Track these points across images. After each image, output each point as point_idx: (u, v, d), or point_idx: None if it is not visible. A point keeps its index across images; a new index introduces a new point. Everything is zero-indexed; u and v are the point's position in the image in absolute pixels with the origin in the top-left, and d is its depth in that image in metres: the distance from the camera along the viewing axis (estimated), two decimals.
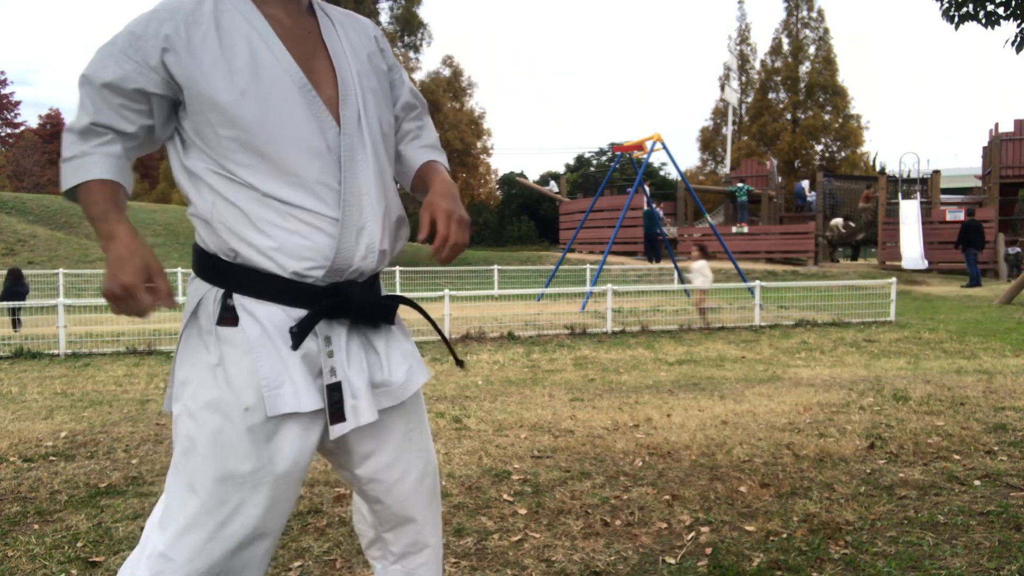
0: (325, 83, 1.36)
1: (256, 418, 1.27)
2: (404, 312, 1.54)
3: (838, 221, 22.04)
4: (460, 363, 1.61)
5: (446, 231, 1.37)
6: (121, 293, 1.22)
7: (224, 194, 1.29)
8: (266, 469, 1.29)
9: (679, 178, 24.77)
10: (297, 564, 2.47)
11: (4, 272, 11.11)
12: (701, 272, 10.07)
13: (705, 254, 10.41)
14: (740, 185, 23.23)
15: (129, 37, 1.28)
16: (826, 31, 38.99)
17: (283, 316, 1.30)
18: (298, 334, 1.30)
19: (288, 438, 1.31)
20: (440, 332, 1.64)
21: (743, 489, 3.12)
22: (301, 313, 1.31)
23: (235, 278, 1.30)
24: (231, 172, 1.28)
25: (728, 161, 32.60)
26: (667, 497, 3.05)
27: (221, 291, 1.30)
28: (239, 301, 1.29)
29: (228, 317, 1.29)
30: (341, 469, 1.49)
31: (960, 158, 24.81)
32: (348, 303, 1.34)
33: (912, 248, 19.42)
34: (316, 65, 1.36)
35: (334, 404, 1.32)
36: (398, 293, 1.79)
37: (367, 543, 1.60)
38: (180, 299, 13.02)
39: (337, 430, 1.33)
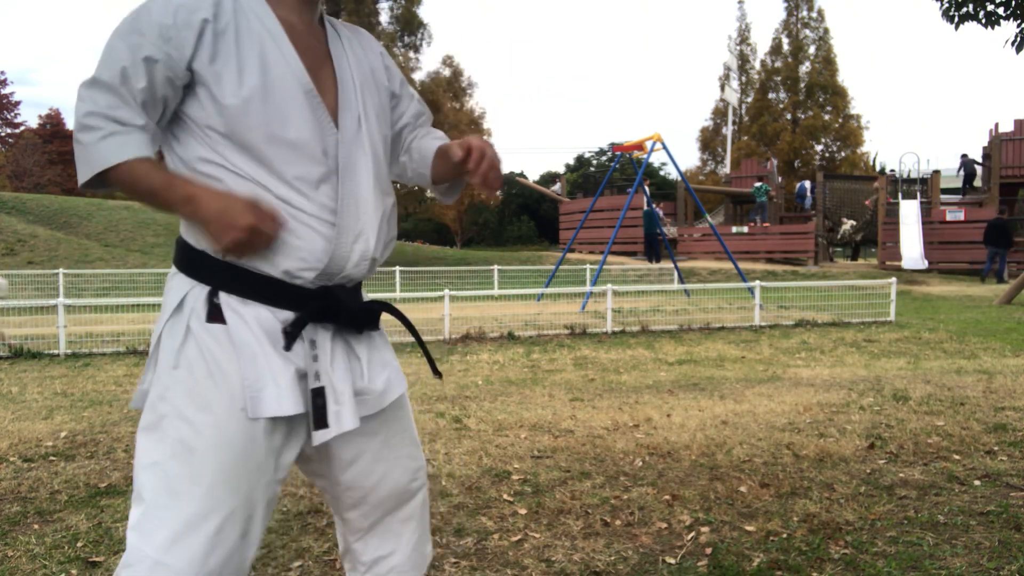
0: (328, 92, 1.37)
1: (250, 420, 1.26)
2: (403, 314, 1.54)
3: (848, 226, 22.16)
4: (438, 374, 1.63)
5: (483, 146, 1.38)
6: (248, 236, 1.21)
7: (222, 187, 1.27)
8: (262, 471, 1.29)
9: (679, 178, 24.76)
10: (297, 564, 2.47)
11: (7, 272, 11.08)
12: None
13: None
14: (759, 185, 23.24)
15: (172, 14, 1.24)
16: (826, 31, 39.05)
17: (270, 317, 1.29)
18: (291, 333, 1.29)
19: (280, 441, 1.31)
20: (421, 342, 1.63)
21: (743, 489, 3.12)
22: (288, 315, 1.30)
23: (223, 275, 1.29)
24: (233, 165, 1.27)
25: (728, 161, 32.61)
26: (667, 497, 3.05)
27: (207, 288, 1.29)
28: (225, 300, 1.28)
29: (215, 316, 1.27)
30: (317, 477, 1.49)
31: (958, 156, 24.77)
32: (338, 306, 1.34)
33: (912, 248, 19.43)
34: (322, 74, 1.37)
35: (317, 409, 1.30)
36: (389, 299, 1.80)
37: (341, 550, 1.60)
38: None
39: (319, 436, 1.31)
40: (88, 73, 1.27)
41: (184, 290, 1.30)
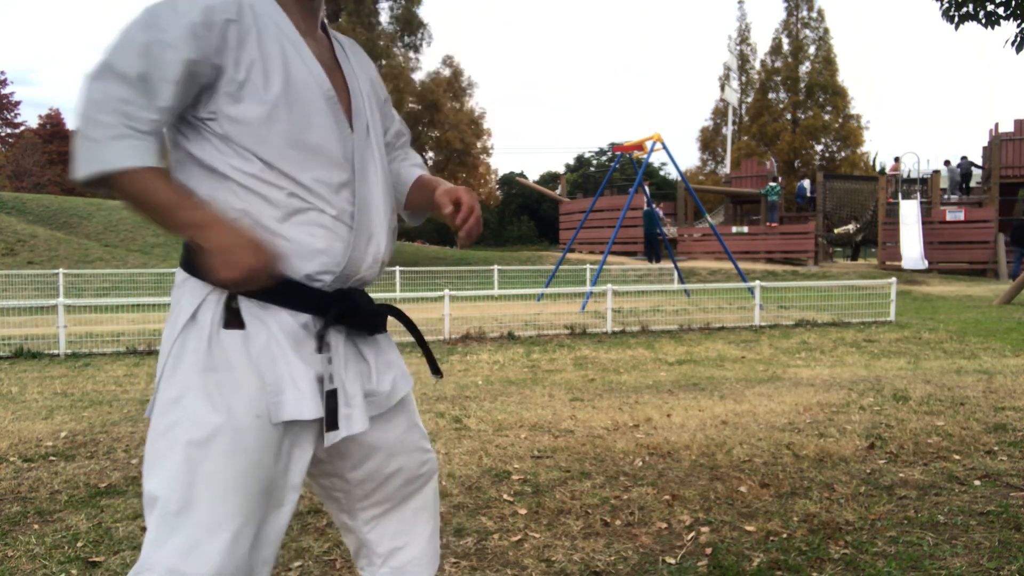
0: (342, 98, 1.39)
1: (267, 425, 1.25)
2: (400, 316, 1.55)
3: (849, 227, 22.29)
4: (439, 373, 1.64)
5: (471, 202, 1.43)
6: (250, 276, 1.21)
7: (244, 191, 1.27)
8: (280, 477, 1.29)
9: (679, 178, 24.77)
10: (297, 564, 2.47)
11: (7, 272, 11.10)
12: None
13: None
14: (772, 185, 23.35)
15: (200, 12, 1.21)
16: (826, 31, 39.00)
17: (290, 320, 1.29)
18: (323, 337, 1.30)
19: (297, 445, 1.31)
20: (423, 343, 1.64)
21: (743, 489, 3.12)
22: (306, 318, 1.31)
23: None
24: (254, 171, 1.26)
25: (728, 161, 32.60)
26: (667, 497, 3.05)
27: (225, 293, 1.27)
28: (244, 304, 1.27)
29: (233, 321, 1.26)
30: (328, 476, 1.49)
31: (959, 157, 24.79)
32: (356, 309, 1.36)
33: (912, 248, 19.44)
34: (334, 80, 1.38)
35: (329, 412, 1.31)
36: (389, 299, 1.82)
37: (354, 552, 1.60)
38: None
39: (330, 438, 1.32)
40: (96, 63, 1.18)
41: (199, 295, 1.27)
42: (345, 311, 1.34)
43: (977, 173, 23.08)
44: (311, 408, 1.28)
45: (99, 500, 3.08)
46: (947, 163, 23.12)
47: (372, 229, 1.38)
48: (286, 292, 1.29)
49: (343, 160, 1.34)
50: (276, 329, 1.27)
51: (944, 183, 22.46)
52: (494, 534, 2.70)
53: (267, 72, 1.26)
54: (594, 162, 48.54)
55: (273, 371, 1.25)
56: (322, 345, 1.30)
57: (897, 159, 23.68)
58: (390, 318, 1.51)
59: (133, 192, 1.20)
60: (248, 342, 1.25)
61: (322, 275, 1.32)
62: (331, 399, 1.31)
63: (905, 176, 22.78)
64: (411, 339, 1.57)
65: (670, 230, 21.93)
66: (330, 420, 1.31)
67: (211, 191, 1.27)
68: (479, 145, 28.68)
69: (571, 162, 51.52)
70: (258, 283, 1.24)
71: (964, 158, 23.26)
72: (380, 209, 1.40)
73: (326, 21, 1.49)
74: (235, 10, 1.25)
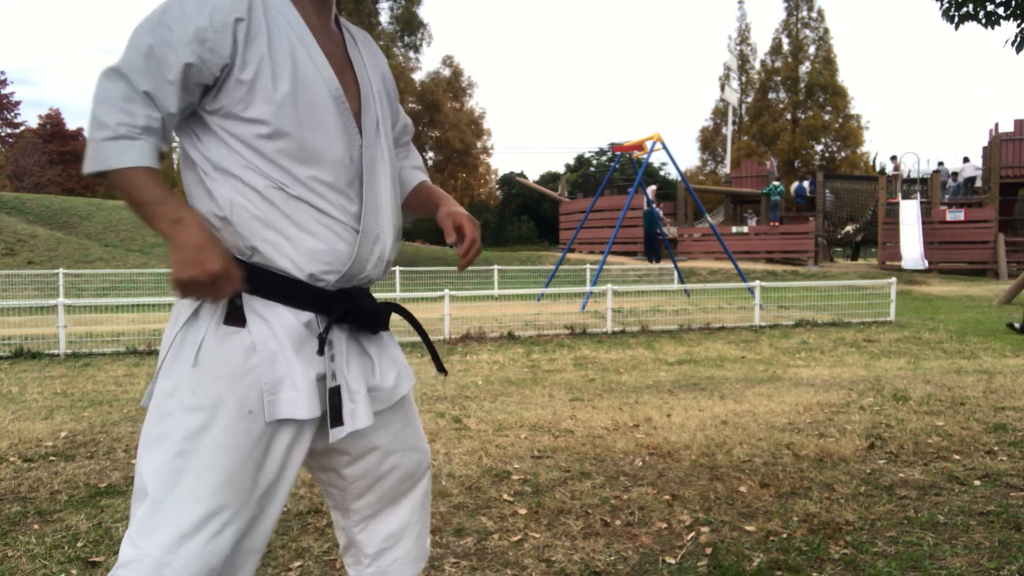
0: (352, 97, 1.39)
1: (259, 422, 1.26)
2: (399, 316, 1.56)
3: (849, 228, 22.32)
4: (443, 370, 1.65)
5: (474, 234, 1.48)
6: (207, 280, 1.20)
7: (249, 190, 1.27)
8: (272, 472, 1.30)
9: (679, 178, 24.77)
10: (297, 564, 2.47)
11: (7, 272, 11.09)
12: None
13: None
14: (776, 184, 23.42)
15: (208, 15, 1.23)
16: (826, 31, 39.00)
17: (292, 319, 1.30)
18: (324, 338, 1.31)
19: (294, 441, 1.32)
20: (428, 340, 1.65)
21: (743, 489, 3.12)
22: (309, 316, 1.31)
23: (247, 278, 1.28)
24: (261, 170, 1.27)
25: (728, 161, 32.60)
26: (667, 497, 3.05)
27: None
28: (248, 301, 1.28)
29: (235, 317, 1.27)
30: (325, 471, 1.50)
31: (960, 158, 24.80)
32: (359, 308, 1.36)
33: (912, 248, 19.44)
34: (344, 78, 1.38)
35: (333, 408, 1.32)
36: (390, 299, 1.83)
37: (342, 548, 1.61)
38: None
39: (335, 434, 1.33)
40: (108, 63, 1.24)
41: None
42: (348, 311, 1.35)
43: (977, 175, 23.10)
44: (307, 408, 1.29)
45: (99, 500, 3.08)
46: (966, 160, 23.06)
47: (379, 230, 1.39)
48: (289, 290, 1.29)
49: (349, 161, 1.35)
50: (277, 327, 1.28)
51: (951, 190, 22.52)
52: (494, 534, 2.70)
53: (275, 71, 1.27)
54: (594, 162, 48.52)
55: (271, 369, 1.26)
56: (323, 345, 1.31)
57: (895, 158, 23.69)
58: (394, 315, 1.52)
59: (124, 188, 1.24)
60: (247, 339, 1.26)
61: (326, 275, 1.32)
62: (335, 395, 1.32)
63: (905, 176, 22.78)
64: (413, 339, 1.58)
65: (670, 230, 21.93)
66: (335, 416, 1.32)
67: (218, 189, 1.28)
68: (479, 145, 28.71)
69: (571, 162, 51.51)
70: (210, 295, 1.23)
71: (966, 159, 23.28)
72: (387, 210, 1.41)
73: (338, 15, 1.49)
74: (244, 7, 1.26)
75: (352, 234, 1.35)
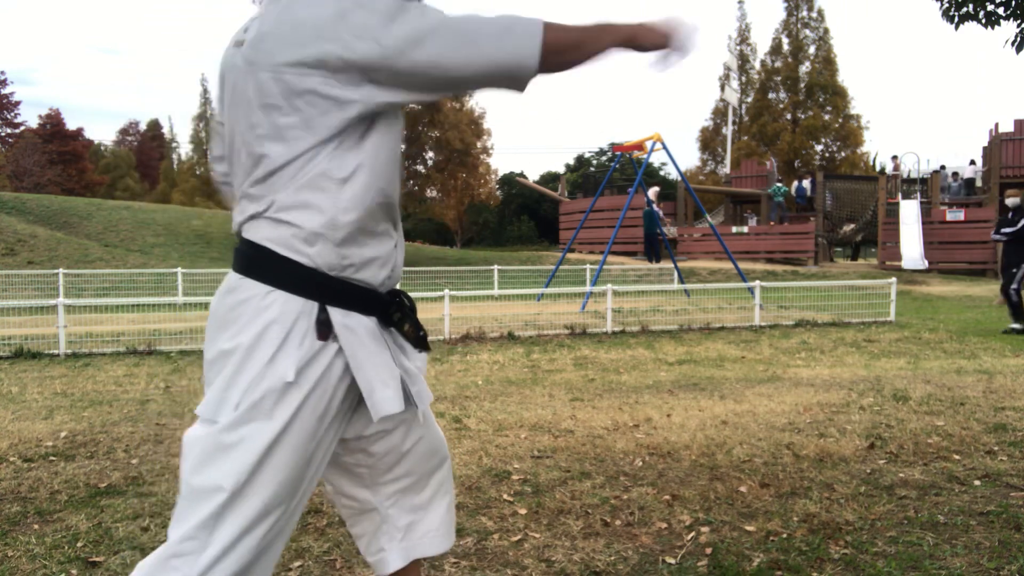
0: None
1: (324, 424, 1.34)
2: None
3: (847, 229, 22.36)
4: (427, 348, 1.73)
5: None
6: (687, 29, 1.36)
7: (360, 201, 1.33)
8: (315, 465, 1.38)
9: (679, 178, 24.77)
10: (297, 564, 2.47)
11: (7, 272, 11.09)
12: None
13: None
14: (778, 185, 23.51)
15: None
16: (826, 31, 39.03)
17: (369, 323, 1.37)
18: (422, 338, 1.46)
19: (333, 435, 1.41)
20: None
21: (743, 489, 3.12)
22: (374, 318, 1.39)
23: (332, 290, 1.33)
24: (377, 185, 1.34)
25: (728, 161, 32.60)
26: (667, 497, 3.05)
27: (316, 305, 1.31)
28: (332, 314, 1.33)
29: (323, 331, 1.32)
30: (352, 453, 1.54)
31: (960, 158, 24.88)
32: (410, 307, 1.46)
33: (912, 248, 19.44)
34: None
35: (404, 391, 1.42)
36: None
37: (365, 545, 1.63)
38: (179, 299, 12.79)
39: (411, 412, 1.46)
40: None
41: (295, 310, 1.30)
42: (401, 308, 1.44)
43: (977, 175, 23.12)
44: (399, 401, 1.37)
45: (99, 500, 3.08)
46: (954, 175, 23.14)
47: (399, 236, 1.48)
48: (365, 298, 1.37)
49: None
50: (364, 334, 1.36)
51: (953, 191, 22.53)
52: (494, 534, 2.70)
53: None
54: (594, 162, 48.51)
55: (364, 374, 1.34)
56: (391, 340, 1.42)
57: (895, 158, 23.70)
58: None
59: (564, 40, 1.31)
60: (338, 350, 1.33)
61: (389, 280, 1.42)
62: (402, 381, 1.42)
63: (905, 176, 22.78)
64: (431, 338, 1.61)
65: (670, 230, 21.93)
66: (407, 399, 1.42)
67: (329, 202, 1.30)
68: (479, 145, 28.67)
69: (571, 162, 51.51)
70: (688, 44, 1.39)
71: (972, 161, 23.36)
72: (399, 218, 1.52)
73: None
74: None
75: (392, 236, 1.43)
